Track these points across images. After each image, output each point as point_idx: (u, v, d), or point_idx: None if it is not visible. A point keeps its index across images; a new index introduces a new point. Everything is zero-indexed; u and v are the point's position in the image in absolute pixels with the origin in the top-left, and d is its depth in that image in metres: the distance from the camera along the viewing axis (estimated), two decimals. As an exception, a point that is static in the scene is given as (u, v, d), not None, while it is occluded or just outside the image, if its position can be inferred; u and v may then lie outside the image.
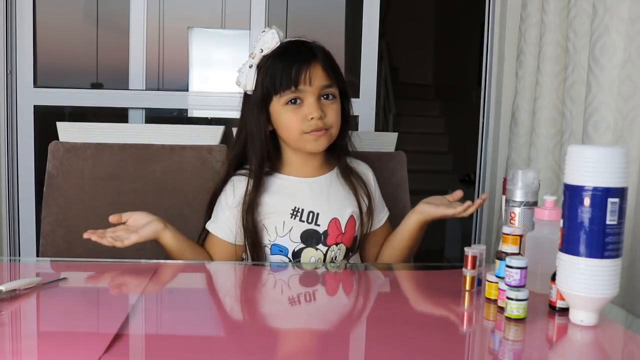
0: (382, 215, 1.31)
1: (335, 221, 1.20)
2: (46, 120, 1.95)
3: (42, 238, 1.42)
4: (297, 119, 1.14)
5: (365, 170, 1.30)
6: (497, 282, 0.88)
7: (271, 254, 1.20)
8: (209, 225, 1.23)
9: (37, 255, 1.49)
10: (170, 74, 2.96)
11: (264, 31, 1.19)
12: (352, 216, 1.23)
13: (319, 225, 1.19)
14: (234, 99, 1.25)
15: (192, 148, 1.47)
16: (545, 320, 0.85)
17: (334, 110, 1.17)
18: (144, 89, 2.12)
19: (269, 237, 1.19)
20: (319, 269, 1.17)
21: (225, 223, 1.21)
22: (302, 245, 1.19)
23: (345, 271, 1.18)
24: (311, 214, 1.19)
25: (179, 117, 2.70)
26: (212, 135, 1.52)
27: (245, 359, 0.71)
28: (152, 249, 1.42)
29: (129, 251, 1.41)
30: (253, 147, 1.19)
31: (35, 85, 2.05)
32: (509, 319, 0.81)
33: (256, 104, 1.18)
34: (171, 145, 1.47)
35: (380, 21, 2.11)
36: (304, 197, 1.20)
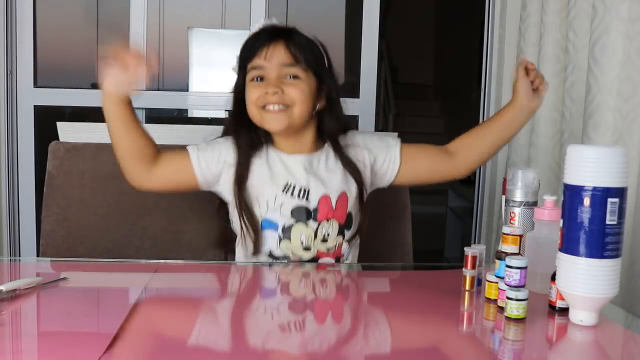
0: (393, 151, 1.25)
1: (325, 198, 1.20)
2: (46, 120, 1.95)
3: (42, 238, 1.41)
4: (257, 94, 1.17)
5: (358, 140, 1.27)
6: (497, 282, 0.88)
7: (261, 229, 1.20)
8: (190, 147, 1.23)
9: (37, 255, 1.49)
10: (170, 74, 2.96)
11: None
12: (343, 193, 1.21)
13: (309, 201, 1.19)
14: (234, 99, 1.27)
15: (192, 148, 1.47)
16: (545, 320, 0.85)
17: (297, 88, 1.17)
18: (144, 89, 2.11)
19: (260, 211, 1.20)
20: (319, 268, 1.18)
21: (205, 158, 1.21)
22: (293, 221, 1.19)
23: (345, 271, 1.18)
24: (302, 190, 1.19)
25: (179, 117, 2.70)
26: (212, 136, 1.51)
27: (245, 358, 0.71)
28: (152, 248, 1.43)
29: (129, 251, 1.42)
30: (237, 130, 1.23)
31: (35, 85, 2.05)
32: (508, 318, 0.81)
33: (234, 86, 1.24)
34: (171, 145, 1.47)
35: (380, 21, 2.11)
36: (296, 173, 1.20)
